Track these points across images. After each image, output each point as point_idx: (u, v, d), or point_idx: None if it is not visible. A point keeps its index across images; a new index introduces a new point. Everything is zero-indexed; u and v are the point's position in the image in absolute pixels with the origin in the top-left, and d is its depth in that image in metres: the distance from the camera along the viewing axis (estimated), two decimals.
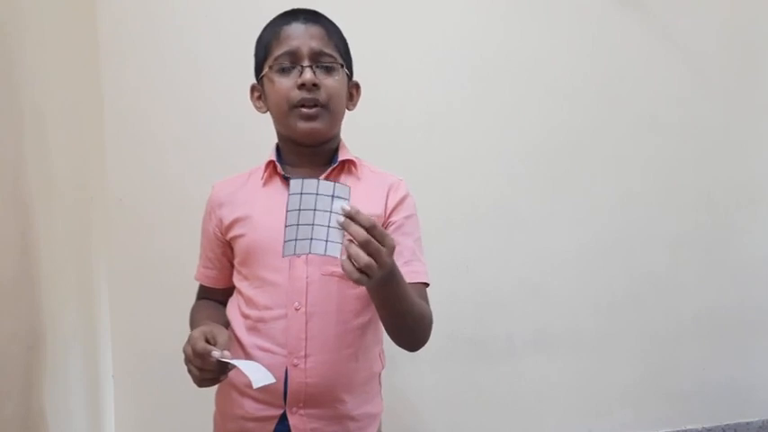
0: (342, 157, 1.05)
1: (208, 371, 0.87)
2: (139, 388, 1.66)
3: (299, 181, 0.77)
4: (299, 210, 0.77)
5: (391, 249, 0.81)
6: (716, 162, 2.06)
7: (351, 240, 0.78)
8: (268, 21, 1.07)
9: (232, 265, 1.08)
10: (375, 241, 0.77)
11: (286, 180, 1.01)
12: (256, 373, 0.86)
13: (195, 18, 1.64)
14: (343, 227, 0.78)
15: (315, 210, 0.77)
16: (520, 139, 1.89)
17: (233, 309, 1.05)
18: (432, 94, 1.81)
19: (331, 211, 0.78)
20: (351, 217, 0.77)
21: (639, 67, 1.96)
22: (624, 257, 2.00)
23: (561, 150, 1.93)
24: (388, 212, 1.04)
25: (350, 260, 0.77)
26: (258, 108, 1.07)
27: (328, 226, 0.78)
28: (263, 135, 1.65)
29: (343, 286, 0.99)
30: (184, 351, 0.89)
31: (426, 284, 1.04)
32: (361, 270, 0.77)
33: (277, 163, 1.03)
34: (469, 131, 1.85)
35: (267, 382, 0.85)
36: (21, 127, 1.07)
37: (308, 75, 0.96)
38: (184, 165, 1.66)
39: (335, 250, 0.78)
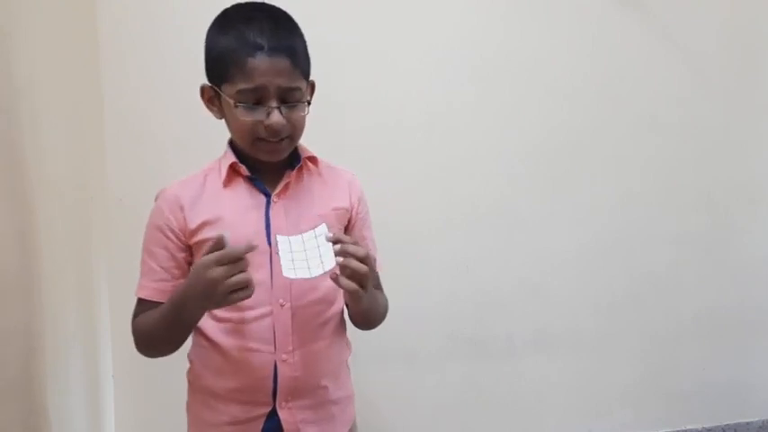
0: (304, 154, 1.05)
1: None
2: (139, 388, 1.66)
3: (286, 239, 0.90)
4: (291, 251, 0.89)
5: (372, 258, 0.92)
6: (716, 162, 2.06)
7: (345, 258, 0.88)
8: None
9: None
10: (367, 253, 0.89)
11: (251, 181, 1.01)
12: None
13: (195, 18, 1.62)
14: (341, 252, 0.88)
15: (305, 250, 0.90)
16: (520, 139, 1.89)
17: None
18: (432, 94, 1.81)
19: (318, 246, 0.89)
20: (337, 240, 0.89)
21: (639, 67, 1.96)
22: (624, 257, 2.00)
23: (561, 150, 1.93)
24: (353, 209, 1.08)
25: (345, 277, 0.89)
26: (212, 112, 1.01)
27: (320, 254, 0.89)
28: None
29: (321, 278, 0.99)
30: (208, 275, 0.82)
31: None
32: (358, 282, 0.89)
33: (240, 165, 1.00)
34: (469, 131, 1.85)
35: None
36: (21, 127, 1.07)
37: (275, 117, 0.93)
38: (184, 165, 1.64)
39: (331, 262, 0.88)
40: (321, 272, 0.86)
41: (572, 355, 1.98)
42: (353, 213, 1.08)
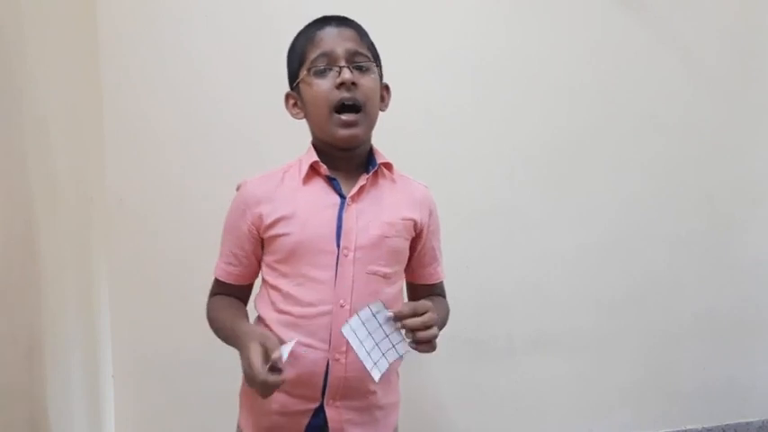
0: (379, 159, 1.08)
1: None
2: (139, 388, 1.66)
3: (348, 327, 0.93)
4: (361, 342, 0.93)
5: (434, 310, 0.97)
6: (717, 162, 2.06)
7: (411, 329, 0.94)
8: (289, 25, 1.09)
9: (259, 263, 1.09)
10: (428, 317, 0.95)
11: (329, 180, 1.04)
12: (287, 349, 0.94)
13: (195, 18, 1.63)
14: (407, 330, 0.94)
15: (370, 334, 0.93)
16: (521, 140, 1.89)
17: (264, 305, 1.06)
18: (433, 95, 1.81)
19: (380, 325, 0.94)
20: (398, 317, 0.94)
21: (641, 68, 1.96)
22: (624, 257, 2.00)
23: (562, 151, 1.92)
24: (426, 221, 1.13)
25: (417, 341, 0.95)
26: (294, 115, 1.08)
27: (387, 336, 0.94)
28: (262, 135, 1.66)
29: (382, 284, 1.04)
30: (247, 373, 0.92)
31: None
32: (429, 341, 0.95)
33: (321, 164, 1.03)
34: (471, 132, 1.85)
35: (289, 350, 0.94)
36: (21, 127, 1.07)
37: (346, 74, 0.99)
38: (184, 165, 1.66)
39: (404, 347, 0.95)
40: (397, 357, 0.94)
41: (572, 355, 1.98)
42: (425, 227, 1.12)
